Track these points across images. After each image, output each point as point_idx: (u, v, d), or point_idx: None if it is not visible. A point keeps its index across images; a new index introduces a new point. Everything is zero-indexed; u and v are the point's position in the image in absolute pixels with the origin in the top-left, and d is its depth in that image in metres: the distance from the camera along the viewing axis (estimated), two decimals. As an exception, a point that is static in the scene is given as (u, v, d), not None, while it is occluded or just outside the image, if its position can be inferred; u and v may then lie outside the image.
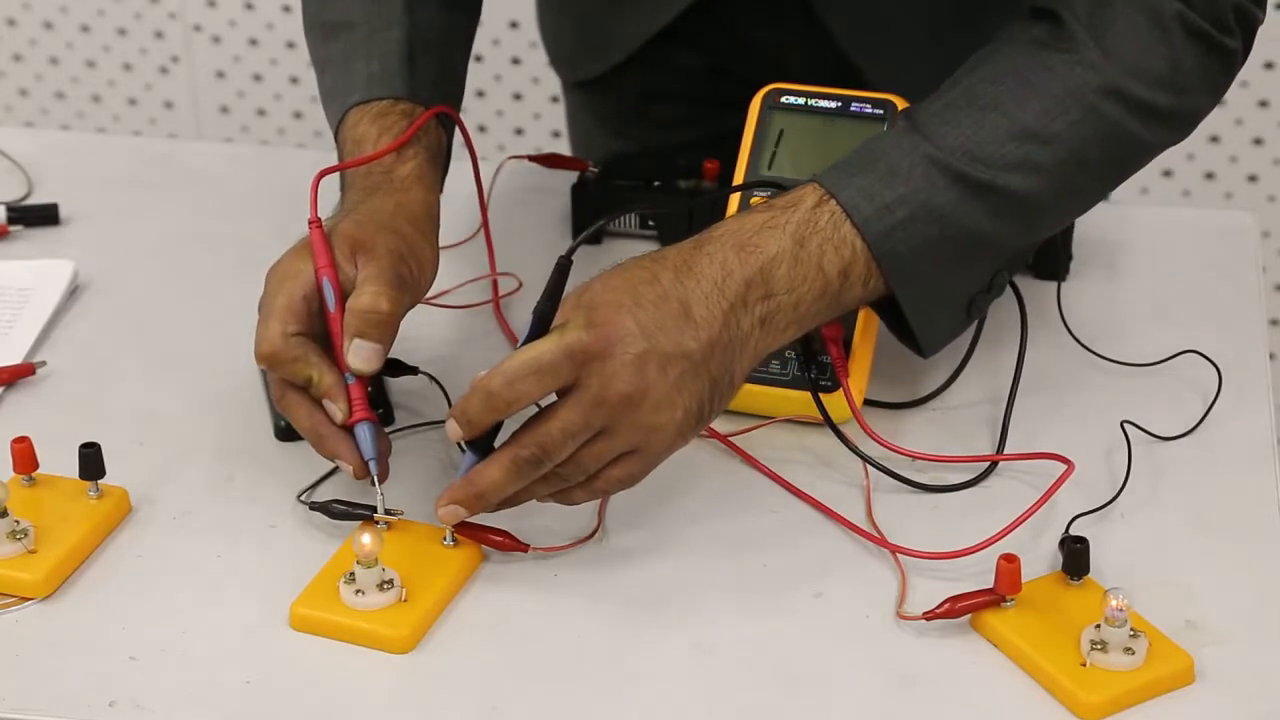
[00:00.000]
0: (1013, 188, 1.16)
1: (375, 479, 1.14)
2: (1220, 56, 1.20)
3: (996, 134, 1.16)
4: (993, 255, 1.19)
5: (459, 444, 1.12)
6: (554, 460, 1.09)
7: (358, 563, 1.09)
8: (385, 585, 1.09)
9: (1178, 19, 1.17)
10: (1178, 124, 1.21)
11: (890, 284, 1.15)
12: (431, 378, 1.26)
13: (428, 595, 1.10)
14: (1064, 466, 1.18)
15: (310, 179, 1.57)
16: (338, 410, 1.14)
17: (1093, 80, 1.16)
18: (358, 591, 1.09)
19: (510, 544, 1.13)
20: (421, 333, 1.34)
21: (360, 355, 1.14)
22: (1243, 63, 1.23)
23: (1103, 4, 1.17)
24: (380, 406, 1.26)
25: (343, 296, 1.15)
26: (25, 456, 1.17)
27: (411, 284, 1.18)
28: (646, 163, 1.49)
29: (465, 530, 1.13)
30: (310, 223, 1.17)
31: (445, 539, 1.14)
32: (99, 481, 1.17)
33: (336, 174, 1.24)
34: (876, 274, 1.15)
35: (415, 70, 1.28)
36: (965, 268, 1.18)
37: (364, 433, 1.14)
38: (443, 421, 1.24)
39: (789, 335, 1.14)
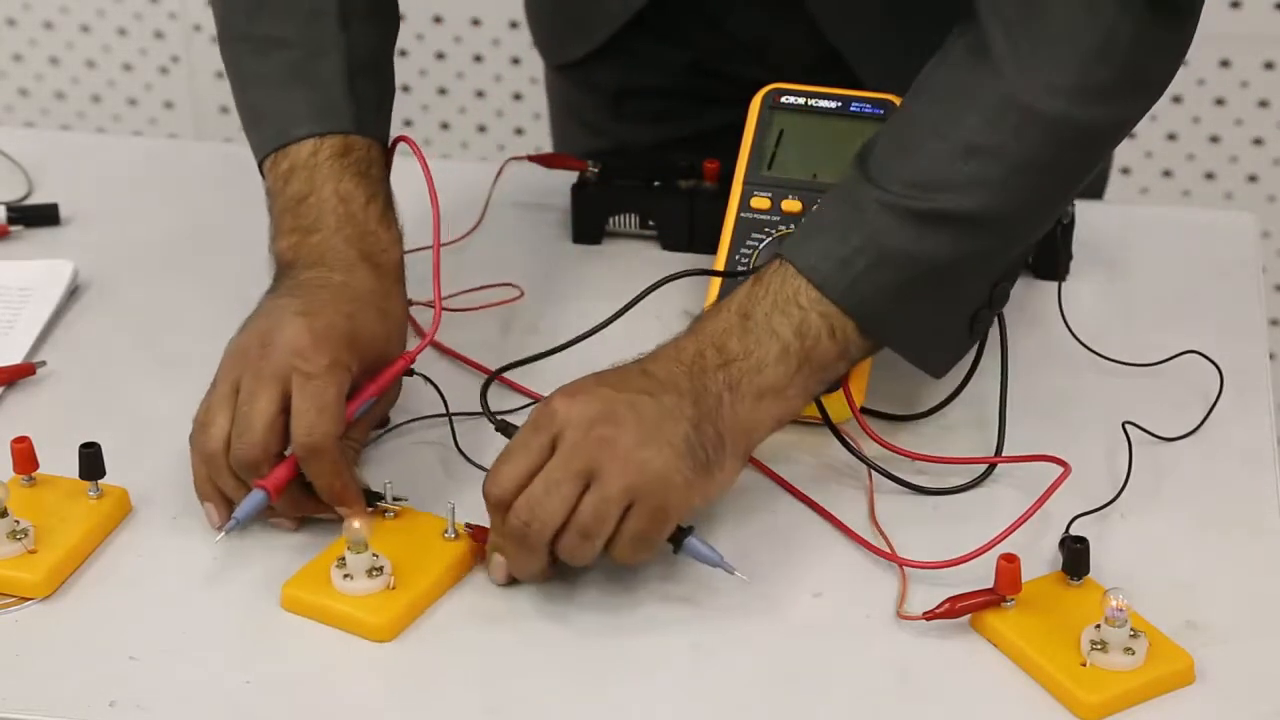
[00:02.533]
0: (967, 209, 1.14)
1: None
2: (1168, 11, 1.16)
3: (940, 159, 1.15)
4: (977, 275, 1.18)
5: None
6: (545, 521, 1.07)
7: (348, 547, 1.09)
8: (374, 572, 1.10)
9: None
10: (1132, 94, 1.18)
11: (868, 332, 1.15)
12: (426, 378, 1.26)
13: (417, 585, 1.10)
14: (1061, 469, 1.18)
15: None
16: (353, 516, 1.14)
17: (1022, 80, 1.14)
18: (346, 576, 1.10)
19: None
20: (416, 335, 1.34)
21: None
22: (1199, 7, 1.18)
23: None
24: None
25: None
26: (25, 456, 1.17)
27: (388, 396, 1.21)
28: (647, 162, 1.49)
29: (480, 532, 1.13)
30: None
31: (447, 531, 1.14)
32: (99, 481, 1.17)
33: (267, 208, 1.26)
34: (850, 326, 1.14)
35: (359, 98, 1.26)
36: (950, 295, 1.18)
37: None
38: (436, 415, 1.25)
39: (771, 406, 1.13)
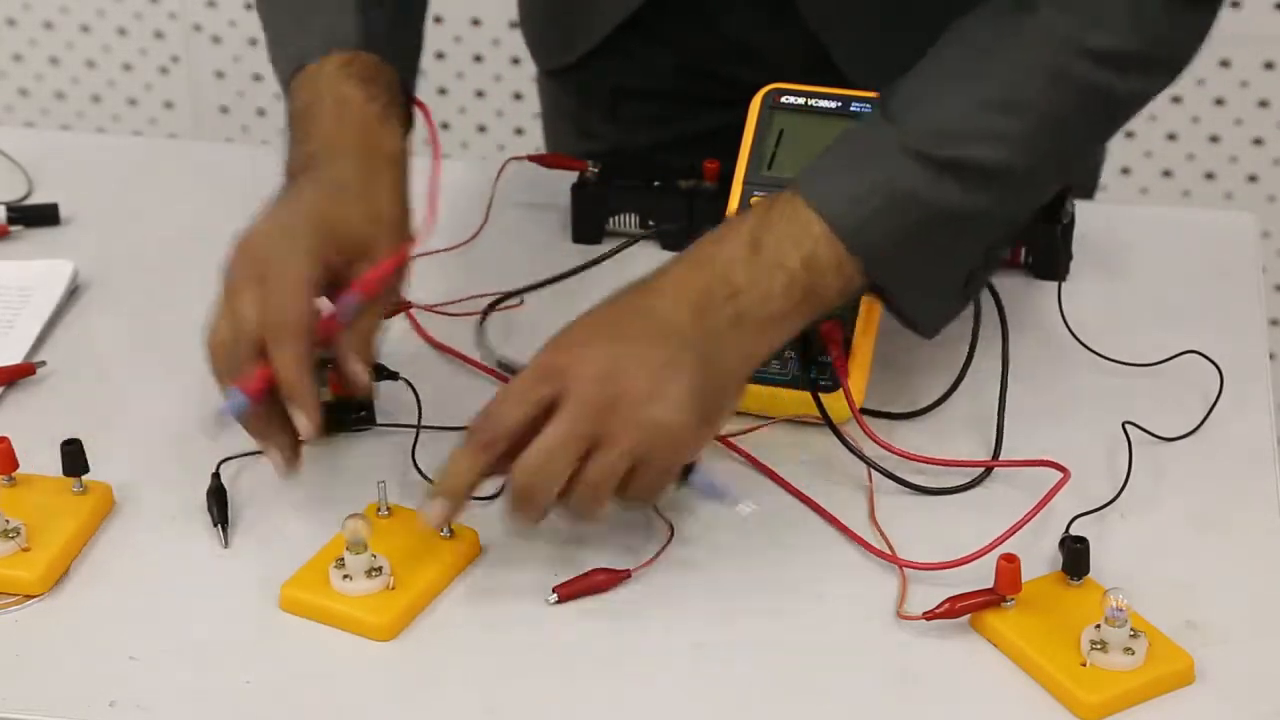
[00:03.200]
0: (982, 160, 1.15)
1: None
2: None
3: (962, 109, 1.15)
4: (981, 231, 1.19)
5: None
6: (551, 484, 1.08)
7: (347, 548, 1.09)
8: (373, 572, 1.10)
9: None
10: (1155, 69, 1.20)
11: (870, 274, 1.15)
12: (408, 383, 1.26)
13: (416, 584, 1.11)
14: (1060, 474, 1.18)
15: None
16: (305, 424, 1.14)
17: (1054, 41, 1.16)
18: (345, 577, 1.10)
19: (612, 578, 1.12)
20: (407, 337, 1.34)
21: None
22: None
23: None
24: (363, 409, 1.26)
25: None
26: (5, 457, 1.17)
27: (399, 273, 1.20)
28: (646, 163, 1.49)
29: (569, 588, 1.12)
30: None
31: (443, 530, 1.14)
32: (83, 477, 1.17)
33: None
34: (856, 265, 1.14)
35: (368, 22, 1.27)
36: (952, 248, 1.18)
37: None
38: (413, 426, 1.24)
39: (772, 335, 1.14)
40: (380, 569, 1.10)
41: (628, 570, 1.12)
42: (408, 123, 1.27)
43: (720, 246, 1.14)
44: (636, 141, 1.57)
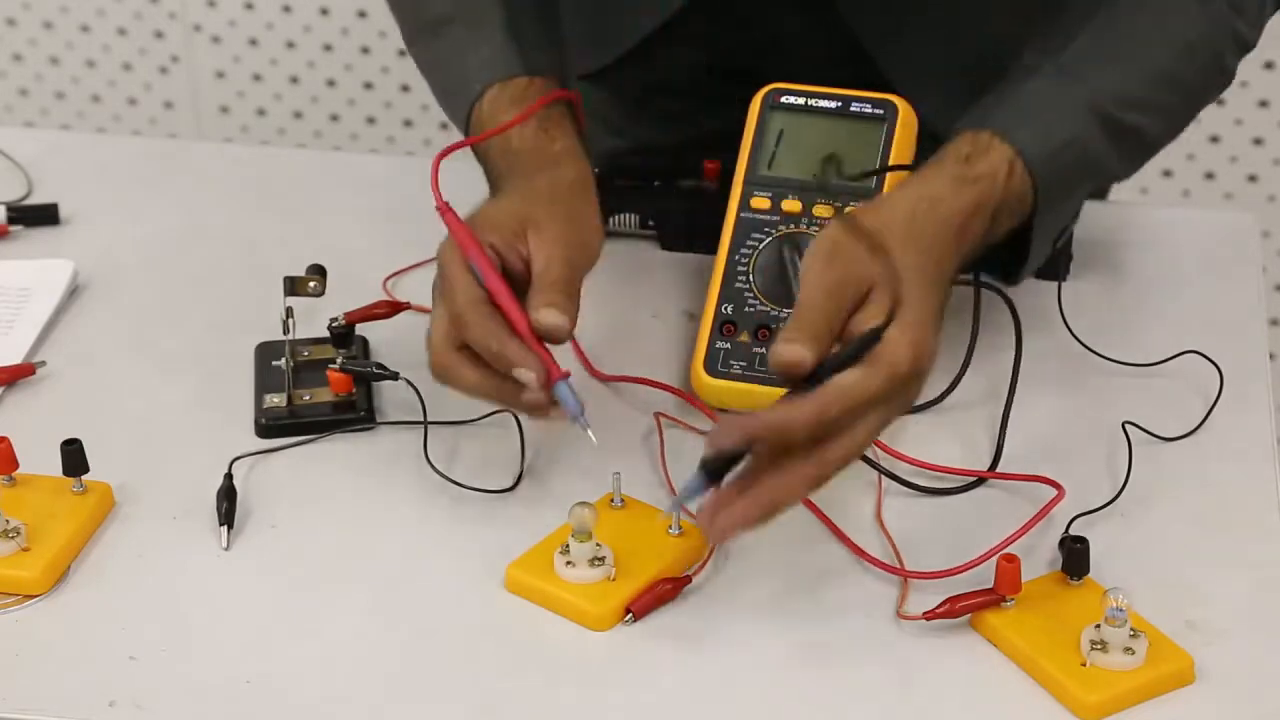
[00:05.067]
0: (1144, 129, 1.21)
1: (586, 429, 1.13)
2: None
3: (1137, 77, 1.21)
4: (1094, 188, 1.27)
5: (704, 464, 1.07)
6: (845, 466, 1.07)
7: (572, 534, 1.10)
8: (596, 561, 1.10)
9: None
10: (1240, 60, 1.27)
11: (1033, 217, 1.19)
12: (410, 383, 1.26)
13: (636, 578, 1.10)
14: (1055, 491, 1.18)
15: (310, 179, 1.58)
16: (529, 376, 1.12)
17: (1218, 25, 1.21)
18: (569, 563, 1.11)
19: (677, 586, 1.12)
20: (407, 337, 1.34)
21: (550, 319, 1.13)
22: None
23: None
24: (363, 409, 1.26)
25: (506, 273, 1.16)
26: (5, 457, 1.17)
27: (582, 249, 1.20)
28: (647, 162, 1.49)
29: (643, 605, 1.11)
30: (439, 209, 1.18)
31: (671, 528, 1.14)
32: (83, 477, 1.17)
33: (470, 161, 1.27)
34: (1026, 209, 1.18)
35: (523, 44, 1.30)
36: (1079, 201, 1.26)
37: (564, 390, 1.13)
38: (418, 422, 1.24)
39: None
40: (603, 559, 1.11)
41: (688, 576, 1.12)
42: (573, 118, 1.29)
43: (976, 224, 1.16)
44: (664, 139, 1.57)
